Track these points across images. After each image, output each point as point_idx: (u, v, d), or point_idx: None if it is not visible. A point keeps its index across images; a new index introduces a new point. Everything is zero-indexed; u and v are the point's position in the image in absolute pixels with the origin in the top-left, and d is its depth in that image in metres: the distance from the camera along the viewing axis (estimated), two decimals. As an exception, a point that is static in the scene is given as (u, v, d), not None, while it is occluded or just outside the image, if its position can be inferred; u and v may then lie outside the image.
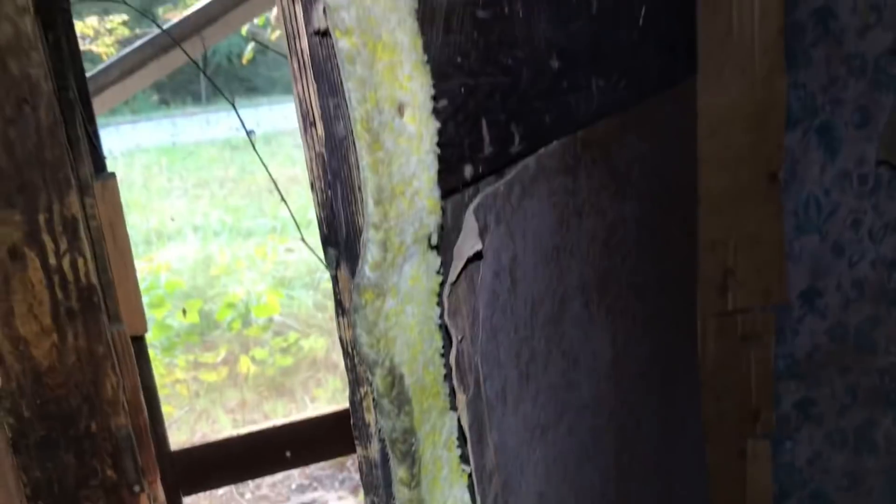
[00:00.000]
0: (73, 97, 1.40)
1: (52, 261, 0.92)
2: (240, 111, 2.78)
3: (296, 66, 0.68)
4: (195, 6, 3.46)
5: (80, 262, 0.93)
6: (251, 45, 4.98)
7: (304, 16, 0.65)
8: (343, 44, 0.64)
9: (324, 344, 4.61)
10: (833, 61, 1.65)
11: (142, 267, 5.47)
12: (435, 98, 0.72)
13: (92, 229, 1.22)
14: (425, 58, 0.71)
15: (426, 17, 0.74)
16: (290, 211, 2.21)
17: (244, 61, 5.19)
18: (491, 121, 0.86)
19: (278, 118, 11.06)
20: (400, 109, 0.69)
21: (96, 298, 0.95)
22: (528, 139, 0.95)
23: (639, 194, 1.35)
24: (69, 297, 0.93)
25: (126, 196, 1.47)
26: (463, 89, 0.81)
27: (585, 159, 1.14)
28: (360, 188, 0.69)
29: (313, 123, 0.69)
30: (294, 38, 0.67)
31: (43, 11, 0.99)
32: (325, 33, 0.64)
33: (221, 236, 6.71)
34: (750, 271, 1.69)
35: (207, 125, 11.03)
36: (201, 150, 10.85)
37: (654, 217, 1.44)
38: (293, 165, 8.59)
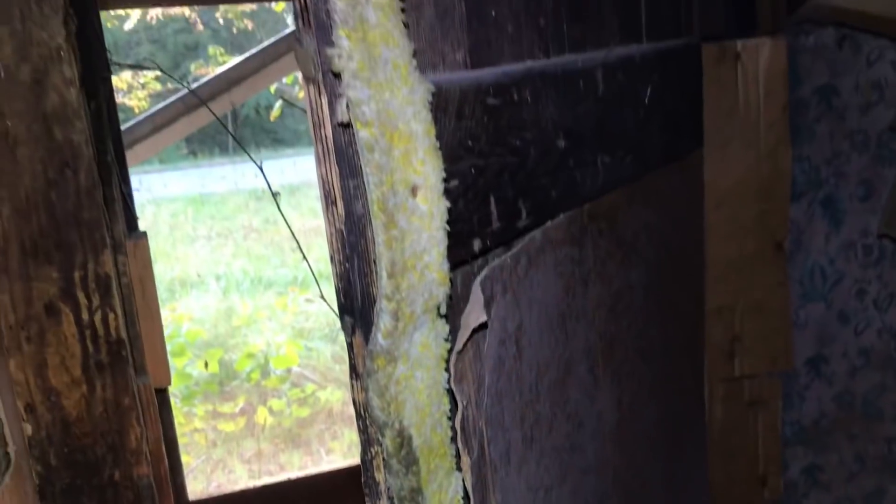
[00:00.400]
0: (110, 160, 1.49)
1: (85, 316, 0.98)
2: (266, 162, 2.87)
3: (320, 150, 0.76)
4: (225, 65, 3.60)
5: (111, 317, 0.99)
6: (279, 103, 5.13)
7: (329, 108, 0.72)
8: (363, 134, 0.71)
9: (340, 396, 4.64)
10: (836, 136, 1.71)
11: (164, 316, 5.56)
12: (446, 179, 0.79)
13: (123, 286, 1.29)
14: (437, 144, 0.77)
15: (440, 107, 0.81)
16: (309, 267, 2.29)
17: (272, 118, 5.34)
18: (499, 197, 0.93)
19: (303, 170, 11.28)
20: (413, 191, 0.76)
21: (124, 352, 1.01)
22: (535, 214, 1.01)
23: (645, 262, 1.41)
24: (99, 351, 0.99)
25: (152, 245, 1.55)
26: (473, 170, 0.88)
27: (592, 230, 1.20)
28: (375, 262, 0.76)
29: (334, 202, 0.76)
30: (319, 127, 0.75)
31: (87, 81, 1.08)
32: (347, 125, 0.72)
33: (243, 286, 6.81)
34: (756, 338, 1.72)
35: (234, 175, 11.25)
36: (227, 199, 11.06)
37: (661, 284, 1.49)
38: (316, 217, 8.72)
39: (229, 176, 11.69)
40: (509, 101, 0.94)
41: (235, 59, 3.50)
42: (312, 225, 8.29)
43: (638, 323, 1.40)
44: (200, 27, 11.96)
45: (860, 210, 1.75)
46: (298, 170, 11.26)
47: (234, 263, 7.63)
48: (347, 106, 0.71)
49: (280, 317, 5.90)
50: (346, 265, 0.77)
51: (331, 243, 0.78)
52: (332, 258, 0.79)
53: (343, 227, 0.76)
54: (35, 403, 0.99)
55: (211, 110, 3.10)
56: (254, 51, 3.46)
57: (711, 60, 1.60)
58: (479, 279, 0.90)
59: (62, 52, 0.90)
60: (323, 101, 0.73)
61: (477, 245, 0.89)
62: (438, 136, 0.79)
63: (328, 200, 0.77)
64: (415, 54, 0.76)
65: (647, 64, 1.33)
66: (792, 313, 1.75)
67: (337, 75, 0.70)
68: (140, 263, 1.55)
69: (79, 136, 0.94)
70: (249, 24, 12.09)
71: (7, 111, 0.89)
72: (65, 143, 0.93)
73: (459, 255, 0.85)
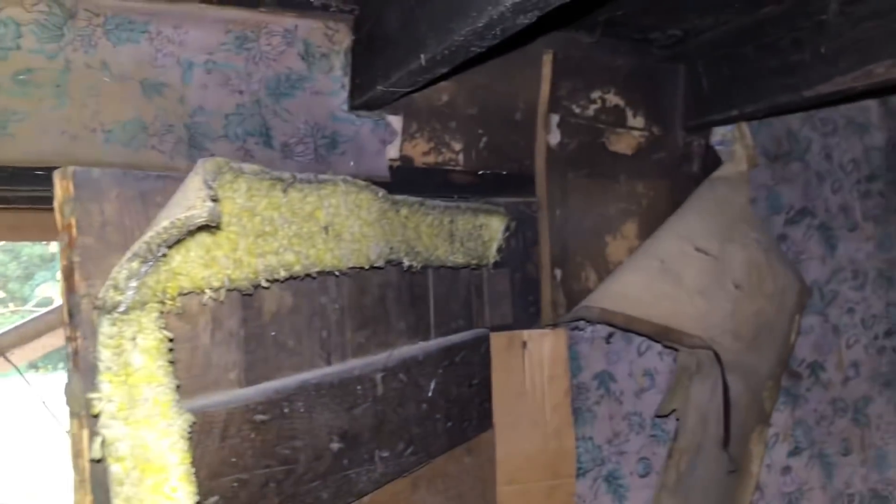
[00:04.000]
0: None
1: None
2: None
3: (77, 479, 0.82)
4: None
5: None
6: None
7: (87, 442, 0.80)
8: (115, 468, 0.79)
9: None
10: (615, 418, 1.91)
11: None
12: (201, 501, 0.86)
13: None
14: (192, 470, 0.86)
15: (204, 430, 0.91)
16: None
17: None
18: (263, 507, 1.00)
19: None
20: (164, 517, 0.83)
21: None
22: (303, 516, 1.08)
23: (431, 545, 1.48)
24: None
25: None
26: (236, 483, 0.96)
27: (370, 521, 1.28)
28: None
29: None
30: (78, 457, 0.82)
31: None
32: (100, 460, 0.79)
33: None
34: None
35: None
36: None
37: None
38: None
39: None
40: (279, 415, 1.05)
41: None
42: None
43: None
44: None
45: (640, 485, 1.92)
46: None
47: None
48: (103, 443, 0.79)
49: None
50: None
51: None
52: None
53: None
54: None
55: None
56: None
57: (501, 348, 1.79)
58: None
59: None
60: (83, 434, 0.80)
61: (236, 555, 0.95)
62: (200, 458, 0.87)
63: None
64: (179, 388, 0.86)
65: (433, 360, 1.48)
66: (582, 587, 1.84)
67: (96, 416, 0.79)
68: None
69: None
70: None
71: None
72: None
73: (215, 567, 0.91)
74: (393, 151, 1.68)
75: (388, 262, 1.36)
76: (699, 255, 1.88)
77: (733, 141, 2.04)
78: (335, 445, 1.16)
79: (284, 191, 1.08)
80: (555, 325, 1.85)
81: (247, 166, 1.02)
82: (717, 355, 1.78)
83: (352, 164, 1.63)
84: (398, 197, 1.41)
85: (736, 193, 2.01)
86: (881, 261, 2.26)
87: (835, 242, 2.19)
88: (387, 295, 1.40)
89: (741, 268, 1.89)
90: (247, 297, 1.04)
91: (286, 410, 1.06)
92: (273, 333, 1.09)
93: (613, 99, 1.94)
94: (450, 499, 1.56)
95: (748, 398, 1.86)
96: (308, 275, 1.13)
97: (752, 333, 1.87)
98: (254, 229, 1.03)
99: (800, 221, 2.15)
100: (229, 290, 0.99)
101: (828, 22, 1.60)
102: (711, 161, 2.03)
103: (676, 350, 1.93)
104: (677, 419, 1.89)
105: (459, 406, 1.59)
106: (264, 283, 1.04)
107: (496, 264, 1.78)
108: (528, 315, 1.86)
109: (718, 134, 2.03)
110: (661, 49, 1.99)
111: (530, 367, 1.83)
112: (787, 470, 2.11)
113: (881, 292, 2.26)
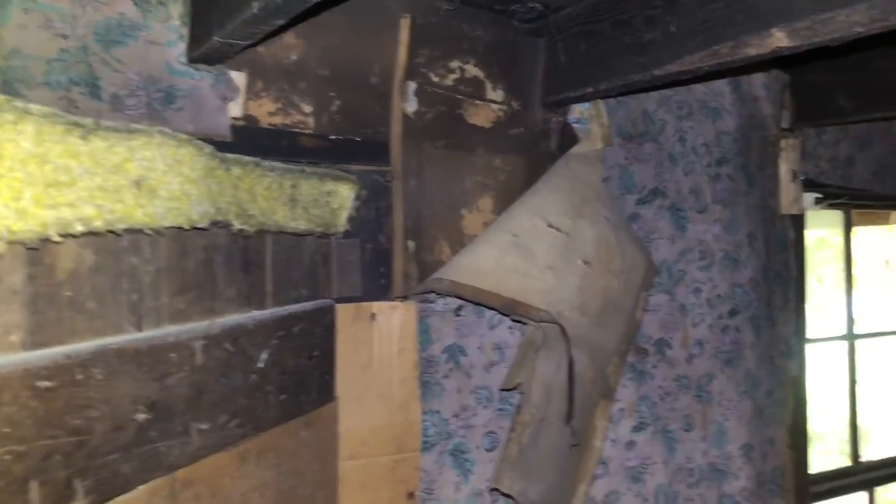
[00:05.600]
0: None
1: None
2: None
3: None
4: None
5: None
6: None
7: None
8: None
9: None
10: (464, 391, 1.90)
11: None
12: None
13: None
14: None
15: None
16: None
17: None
18: (45, 481, 0.92)
19: None
20: None
21: None
22: (98, 491, 1.00)
23: (260, 521, 1.42)
24: None
25: None
26: (9, 456, 0.87)
27: (185, 497, 1.20)
28: None
29: None
30: None
31: None
32: None
33: None
34: (389, 588, 1.76)
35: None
36: None
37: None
38: None
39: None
40: (70, 382, 0.96)
41: None
42: None
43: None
44: None
45: (487, 459, 1.92)
46: None
47: None
48: None
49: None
50: None
51: None
52: None
53: None
54: None
55: None
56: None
57: (348, 320, 1.74)
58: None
59: None
60: None
61: (8, 534, 0.86)
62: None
63: None
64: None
65: (266, 329, 1.42)
66: (424, 561, 1.83)
67: None
68: None
69: None
70: None
71: None
72: None
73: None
74: (235, 110, 1.59)
75: (215, 223, 1.28)
76: (551, 231, 1.88)
77: (590, 119, 2.05)
78: (141, 416, 1.08)
79: (84, 138, 0.98)
80: (406, 298, 1.82)
81: (35, 107, 0.92)
82: (563, 330, 1.79)
83: (190, 120, 1.53)
84: (229, 155, 1.33)
85: (590, 171, 2.03)
86: (728, 243, 2.34)
87: (684, 223, 2.25)
88: (214, 259, 1.32)
89: (591, 244, 1.91)
90: (35, 251, 0.94)
91: (79, 377, 0.97)
92: (69, 294, 1.00)
93: (473, 70, 1.91)
94: (283, 473, 1.50)
95: (593, 373, 1.89)
96: (113, 232, 1.04)
97: (598, 309, 1.90)
98: (44, 178, 0.93)
99: (651, 202, 2.20)
100: (11, 244, 0.89)
101: (680, 1, 1.62)
102: (569, 138, 2.04)
103: (525, 324, 1.93)
104: (522, 393, 1.90)
105: (296, 378, 1.53)
106: (56, 238, 0.95)
107: (346, 234, 1.73)
108: (378, 287, 1.81)
109: (576, 111, 2.04)
110: (523, 22, 1.97)
111: (378, 340, 1.79)
112: (631, 444, 2.16)
113: (727, 273, 2.34)
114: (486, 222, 1.92)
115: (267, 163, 1.43)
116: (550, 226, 1.88)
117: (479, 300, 1.81)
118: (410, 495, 1.81)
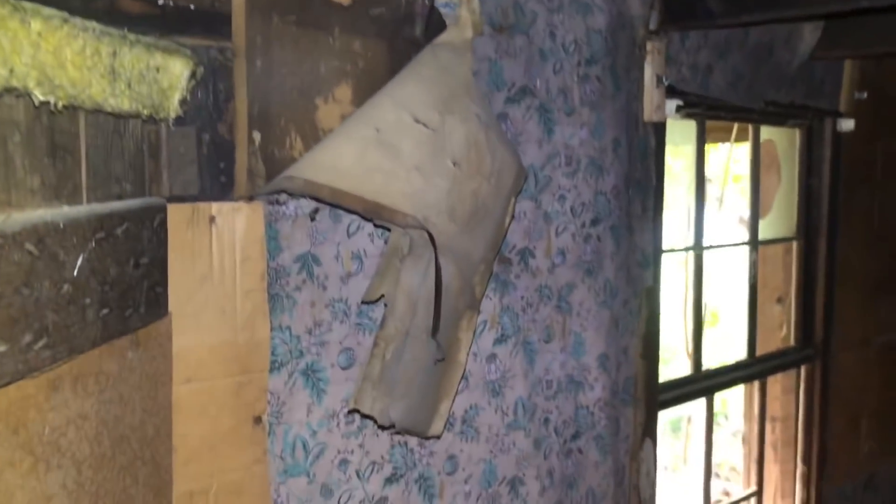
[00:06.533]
0: None
1: None
2: None
3: None
4: None
5: None
6: None
7: None
8: None
9: None
10: (318, 305, 1.70)
11: None
12: None
13: None
14: None
15: None
16: None
17: None
18: None
19: None
20: None
21: None
22: None
23: (76, 462, 1.17)
24: None
25: None
26: None
27: (-27, 440, 0.94)
28: None
29: None
30: None
31: None
32: None
33: None
34: (234, 522, 1.57)
35: None
36: None
37: (108, 483, 1.26)
38: None
39: None
40: None
41: None
42: None
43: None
44: None
45: (342, 378, 1.74)
46: None
47: None
48: None
49: None
50: None
51: None
52: None
53: None
54: None
55: None
56: None
57: (182, 222, 1.48)
58: None
59: None
60: None
61: None
62: None
63: None
64: None
65: (81, 229, 1.14)
66: (272, 490, 1.65)
67: None
68: None
69: None
70: None
71: None
72: None
73: None
74: (32, -46, 1.25)
75: (9, 90, 0.98)
76: (418, 127, 1.68)
77: (459, 4, 1.85)
78: None
79: None
80: (251, 199, 1.58)
81: None
82: (431, 236, 1.62)
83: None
84: (27, 3, 1.02)
85: (459, 63, 1.83)
86: (593, 148, 2.24)
87: (552, 126, 2.12)
88: (9, 138, 1.03)
89: (461, 144, 1.73)
90: None
91: None
92: None
93: (330, -66, 1.64)
94: (105, 402, 1.25)
95: (460, 283, 1.74)
96: None
97: (467, 215, 1.74)
98: None
99: (520, 101, 2.04)
100: None
101: None
102: (436, 24, 1.82)
103: (389, 231, 1.74)
104: (385, 305, 1.73)
105: (121, 290, 1.27)
106: None
107: (179, 121, 1.44)
108: (218, 185, 1.56)
109: (445, -6, 1.83)
110: None
111: (219, 247, 1.55)
112: (492, 357, 2.06)
113: (591, 181, 2.25)
114: (345, 114, 1.69)
115: (78, 19, 1.12)
116: (417, 121, 1.68)
117: (338, 202, 1.59)
118: (257, 420, 1.61)
